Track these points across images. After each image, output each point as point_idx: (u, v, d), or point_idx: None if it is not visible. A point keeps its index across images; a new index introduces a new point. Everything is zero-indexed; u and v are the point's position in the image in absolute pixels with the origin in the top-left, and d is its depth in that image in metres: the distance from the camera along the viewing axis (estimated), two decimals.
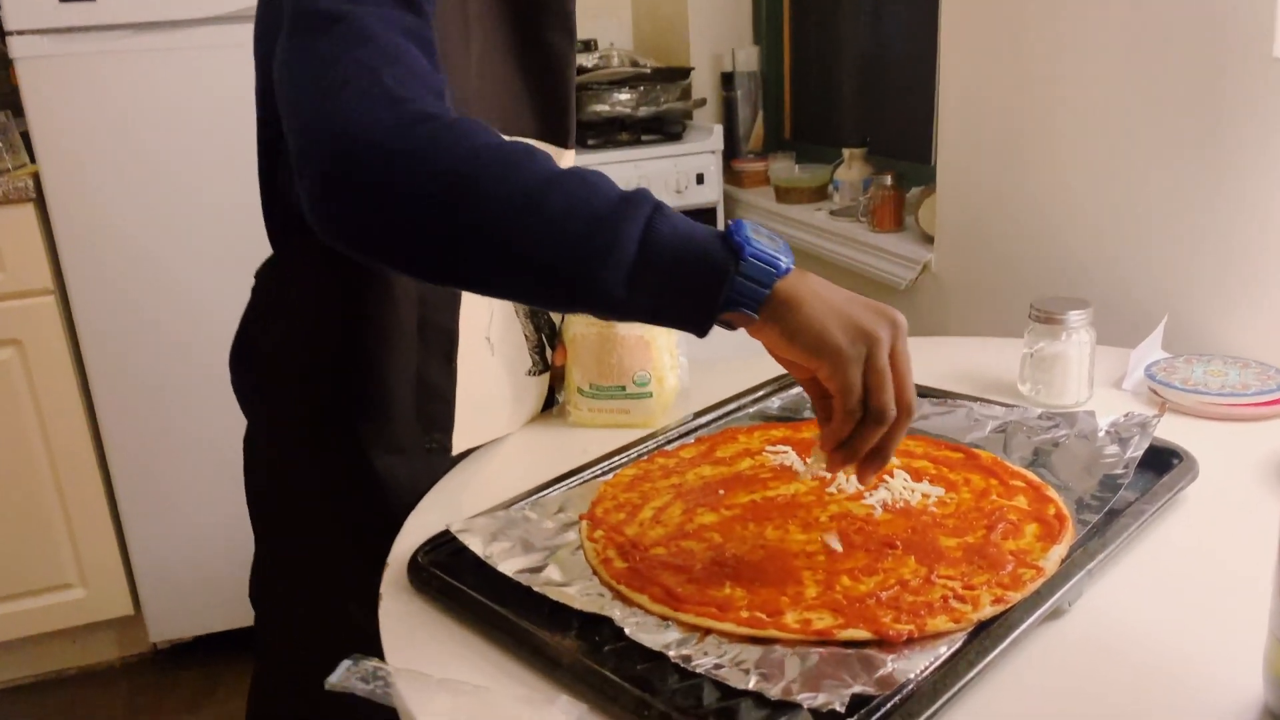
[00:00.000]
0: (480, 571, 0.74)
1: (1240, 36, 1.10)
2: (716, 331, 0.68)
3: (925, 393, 1.03)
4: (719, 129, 2.39)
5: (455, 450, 0.98)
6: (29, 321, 1.90)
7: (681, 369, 1.09)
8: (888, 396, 0.65)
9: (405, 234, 0.65)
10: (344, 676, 0.64)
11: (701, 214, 2.39)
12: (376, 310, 0.89)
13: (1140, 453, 0.84)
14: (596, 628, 0.68)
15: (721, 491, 0.85)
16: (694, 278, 0.64)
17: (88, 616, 2.08)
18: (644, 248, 0.63)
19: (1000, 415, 0.95)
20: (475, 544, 0.77)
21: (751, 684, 0.60)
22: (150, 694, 2.09)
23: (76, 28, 1.80)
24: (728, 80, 2.56)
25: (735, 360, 1.13)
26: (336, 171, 0.64)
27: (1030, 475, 0.84)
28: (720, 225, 2.19)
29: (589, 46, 2.58)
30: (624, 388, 1.04)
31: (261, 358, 0.97)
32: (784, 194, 2.30)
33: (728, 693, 0.61)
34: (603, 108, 2.29)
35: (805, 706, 0.58)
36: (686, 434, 1.00)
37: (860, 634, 0.64)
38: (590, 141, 2.31)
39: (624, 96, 2.30)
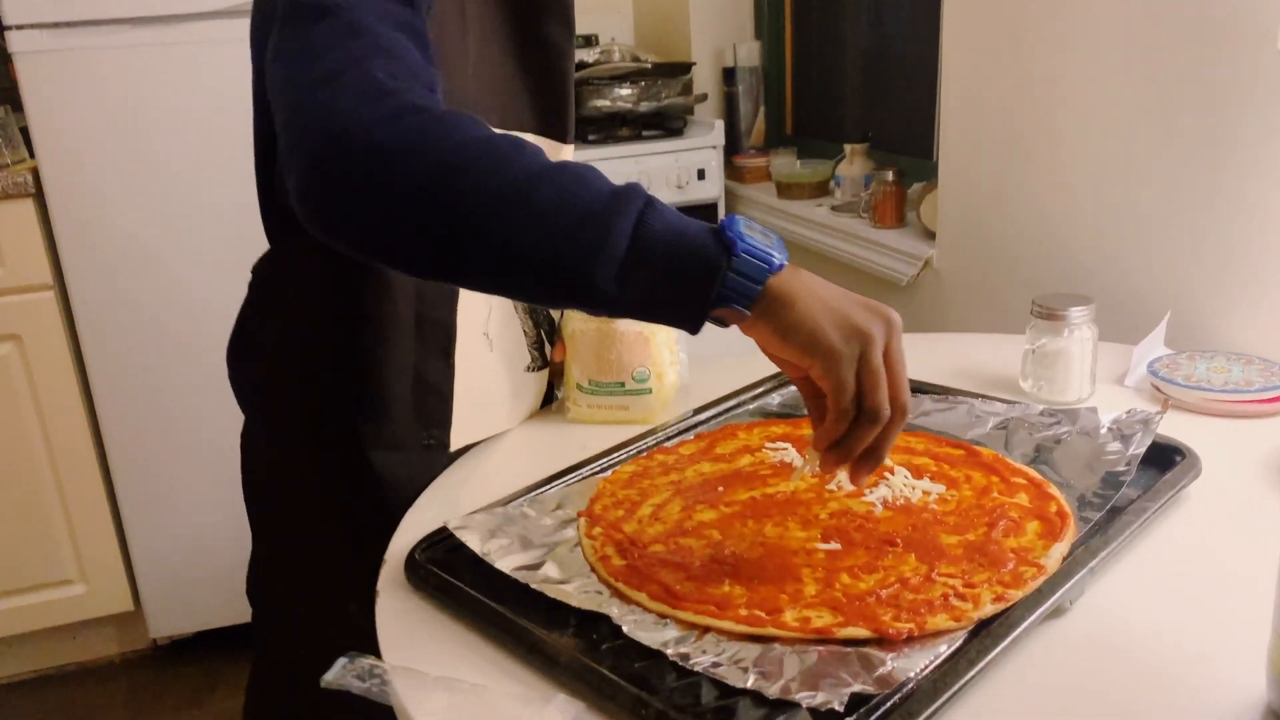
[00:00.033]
0: (478, 569, 0.74)
1: (1243, 28, 1.09)
2: (717, 328, 0.67)
3: (926, 389, 1.02)
4: (720, 124, 2.39)
5: (453, 447, 0.97)
6: (28, 317, 1.90)
7: (681, 365, 1.08)
8: (882, 396, 0.64)
9: (392, 228, 0.64)
10: (340, 674, 0.63)
11: (703, 209, 2.38)
12: (374, 306, 0.89)
13: (1142, 450, 0.83)
14: (594, 625, 0.68)
15: (721, 488, 0.85)
16: (686, 273, 0.63)
17: (88, 612, 2.08)
18: (635, 243, 0.63)
19: (1002, 412, 0.95)
20: (473, 541, 0.77)
21: (750, 683, 0.60)
22: (150, 690, 2.09)
23: (76, 22, 1.79)
24: (729, 75, 2.55)
25: (735, 356, 1.12)
26: (323, 164, 0.63)
27: (1032, 472, 0.84)
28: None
29: (590, 42, 2.57)
30: (623, 384, 1.03)
31: (258, 353, 0.97)
32: (785, 189, 2.29)
33: (726, 691, 0.60)
34: (604, 103, 2.29)
35: (804, 705, 0.58)
36: (686, 430, 0.99)
37: (860, 632, 0.63)
38: (591, 137, 2.31)
39: (625, 92, 2.30)
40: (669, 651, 0.63)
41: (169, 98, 1.87)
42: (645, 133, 2.35)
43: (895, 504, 0.80)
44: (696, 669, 0.62)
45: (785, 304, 0.64)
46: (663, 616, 0.68)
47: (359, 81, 0.64)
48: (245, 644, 1.03)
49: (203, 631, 2.14)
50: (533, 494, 0.86)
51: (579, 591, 0.71)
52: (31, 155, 1.88)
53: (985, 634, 0.63)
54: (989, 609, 0.65)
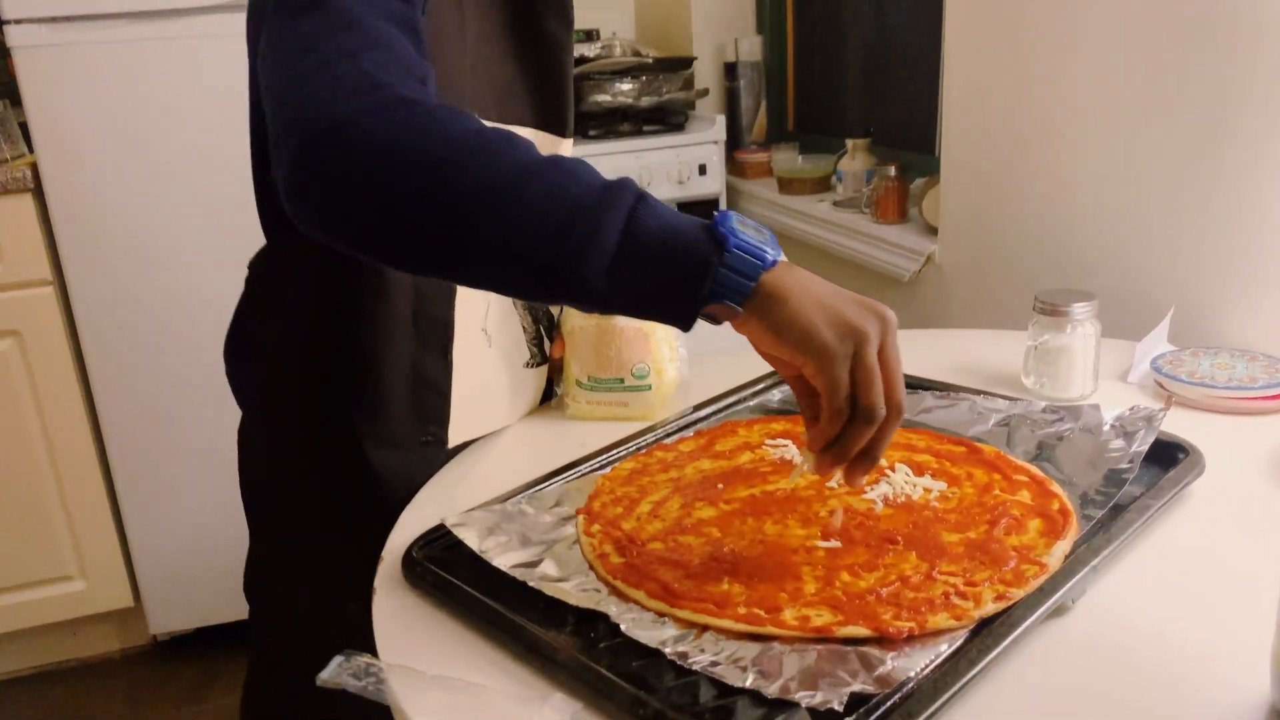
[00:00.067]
0: (476, 566, 0.74)
1: (1246, 25, 1.09)
2: (717, 324, 0.67)
3: (928, 385, 1.02)
4: (722, 119, 2.38)
5: (452, 443, 0.97)
6: (28, 312, 1.90)
7: (681, 361, 1.08)
8: (876, 395, 0.63)
9: (378, 222, 0.63)
10: (336, 672, 0.63)
11: (704, 205, 2.38)
12: (371, 302, 0.88)
13: (1146, 447, 0.83)
14: (592, 624, 0.67)
15: (720, 486, 0.84)
16: (677, 269, 0.63)
17: (87, 608, 2.08)
18: (626, 238, 0.62)
19: (1004, 409, 0.94)
20: (471, 538, 0.76)
21: (749, 682, 0.59)
22: (150, 686, 2.09)
23: (75, 16, 1.79)
24: (730, 70, 2.54)
25: (735, 353, 1.12)
26: (309, 156, 0.62)
27: (1034, 470, 0.83)
28: None
29: (591, 36, 2.57)
30: (622, 380, 1.03)
31: (255, 349, 0.96)
32: (787, 185, 2.28)
33: (724, 690, 0.60)
34: (604, 98, 2.28)
35: (803, 705, 0.57)
36: (686, 427, 0.99)
37: (860, 631, 0.63)
38: (592, 132, 2.30)
39: (626, 87, 2.29)
40: (667, 650, 0.63)
41: (169, 93, 1.87)
42: (646, 128, 2.34)
43: (896, 501, 0.80)
44: (695, 668, 0.61)
45: (778, 301, 0.63)
46: (661, 615, 0.67)
47: (348, 74, 0.63)
48: (245, 640, 1.03)
49: (203, 628, 2.14)
50: (531, 491, 0.85)
51: (577, 589, 0.71)
52: (31, 150, 1.88)
53: (986, 633, 0.63)
54: (990, 608, 0.65)
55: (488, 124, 0.65)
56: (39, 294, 1.90)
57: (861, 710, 0.56)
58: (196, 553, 2.06)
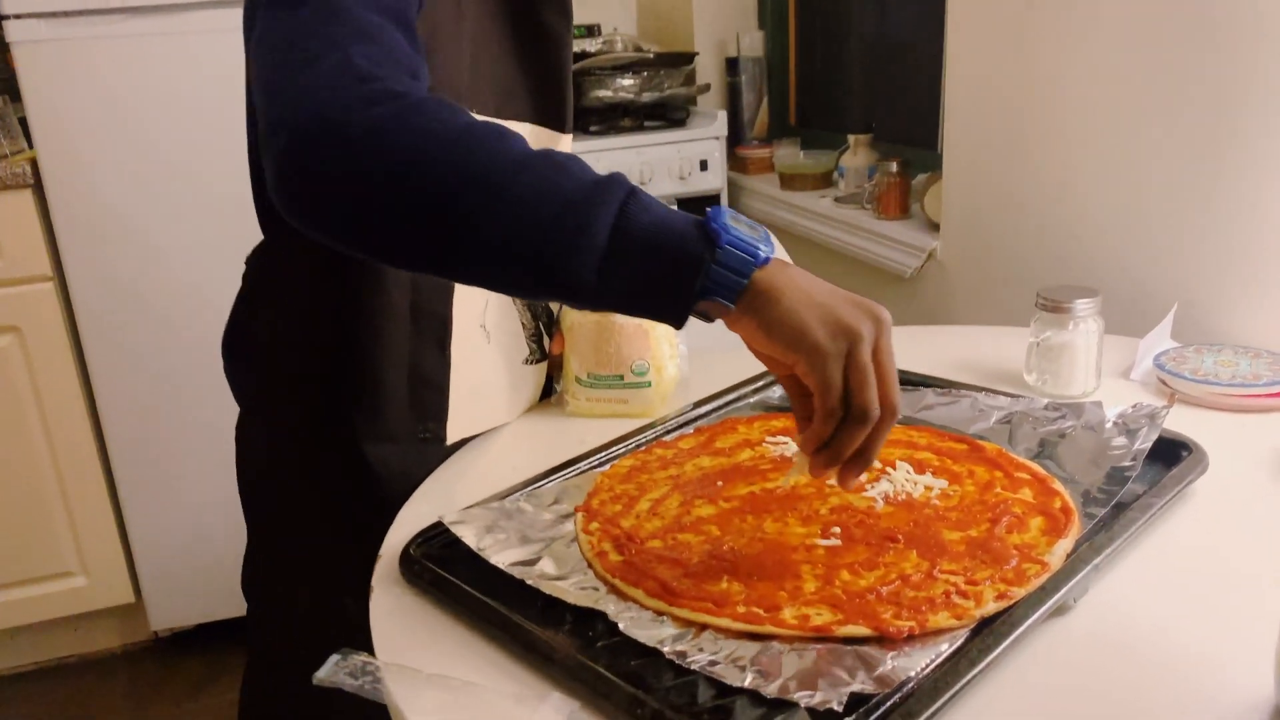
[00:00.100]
0: (473, 564, 0.73)
1: (1247, 25, 1.08)
2: (710, 321, 0.66)
3: (929, 382, 1.01)
4: (723, 115, 2.37)
5: (450, 440, 0.96)
6: (28, 308, 1.89)
7: (681, 358, 1.07)
8: (870, 395, 0.63)
9: (365, 216, 0.63)
10: (332, 671, 0.62)
11: (705, 201, 2.37)
12: (368, 297, 0.88)
13: (1149, 444, 0.82)
14: (590, 622, 0.67)
15: (720, 483, 0.84)
16: (668, 266, 0.62)
17: (88, 604, 2.08)
18: (616, 234, 0.61)
19: (1006, 406, 0.94)
20: (469, 536, 0.76)
21: (748, 681, 0.59)
22: (151, 682, 2.09)
23: (74, 11, 1.78)
24: (732, 66, 2.53)
25: (736, 349, 1.11)
26: (297, 149, 0.62)
27: (1036, 467, 0.83)
28: None
29: (592, 32, 2.56)
30: (622, 377, 1.02)
31: (253, 344, 0.96)
32: (788, 181, 2.28)
33: (723, 690, 0.59)
34: (605, 93, 2.27)
35: (802, 705, 0.57)
36: (685, 424, 0.98)
37: (859, 630, 0.62)
38: (593, 128, 2.29)
39: (627, 82, 2.28)
40: (665, 649, 0.63)
41: (168, 87, 1.86)
42: (647, 123, 2.34)
43: (897, 499, 0.79)
44: (693, 667, 0.61)
45: (771, 298, 0.62)
46: (660, 613, 0.67)
47: (338, 66, 0.62)
48: (245, 637, 1.03)
49: (203, 624, 2.14)
50: (530, 488, 0.85)
51: (575, 588, 0.70)
52: (30, 145, 1.87)
53: (987, 632, 0.62)
54: (991, 607, 0.64)
55: (484, 119, 0.65)
56: (39, 289, 1.89)
57: (861, 710, 0.56)
58: (197, 548, 2.05)
